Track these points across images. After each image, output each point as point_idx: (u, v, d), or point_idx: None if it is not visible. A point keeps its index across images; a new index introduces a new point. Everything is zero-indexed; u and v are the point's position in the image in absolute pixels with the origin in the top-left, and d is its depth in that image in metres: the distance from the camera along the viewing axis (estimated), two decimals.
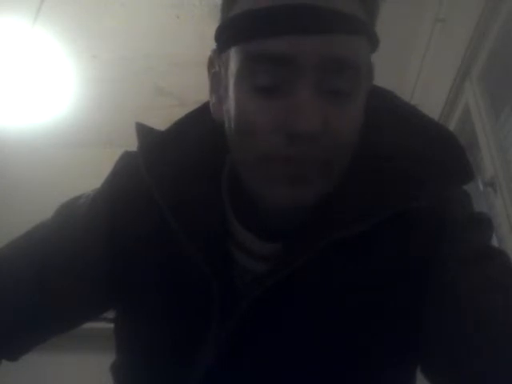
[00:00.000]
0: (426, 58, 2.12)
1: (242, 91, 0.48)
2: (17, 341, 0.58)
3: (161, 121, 0.67)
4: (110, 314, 0.63)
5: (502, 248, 0.54)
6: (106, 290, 0.59)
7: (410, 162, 0.52)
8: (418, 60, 2.16)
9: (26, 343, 0.60)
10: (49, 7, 2.04)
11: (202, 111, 0.60)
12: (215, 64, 0.54)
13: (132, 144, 0.61)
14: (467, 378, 0.43)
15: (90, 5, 2.07)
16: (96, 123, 2.70)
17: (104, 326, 1.08)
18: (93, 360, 1.74)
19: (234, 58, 0.49)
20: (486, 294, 0.46)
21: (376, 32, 0.50)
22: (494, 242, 0.54)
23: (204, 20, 2.11)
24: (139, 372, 0.58)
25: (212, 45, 0.54)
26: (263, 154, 0.48)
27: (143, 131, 0.60)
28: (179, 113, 0.62)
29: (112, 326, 0.62)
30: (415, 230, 0.53)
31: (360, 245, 0.51)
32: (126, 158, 0.63)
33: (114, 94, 2.52)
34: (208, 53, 0.56)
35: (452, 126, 2.02)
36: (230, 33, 0.49)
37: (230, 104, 0.50)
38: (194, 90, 2.38)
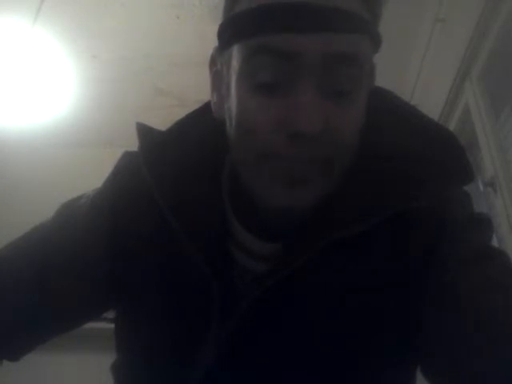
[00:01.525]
0: (426, 58, 2.12)
1: (244, 89, 0.48)
2: (17, 341, 0.58)
3: (161, 121, 0.67)
4: (110, 314, 0.63)
5: (502, 248, 0.53)
6: (106, 290, 0.59)
7: (410, 162, 0.52)
8: (418, 60, 2.16)
9: (26, 343, 0.60)
10: (49, 7, 2.05)
11: (203, 111, 0.60)
12: (217, 62, 0.54)
13: (132, 144, 0.61)
14: (467, 378, 0.43)
15: (90, 5, 2.07)
16: (96, 123, 2.70)
17: (104, 326, 1.08)
18: (93, 360, 1.74)
19: (235, 55, 0.49)
20: (485, 294, 0.46)
21: (379, 32, 0.50)
22: (494, 242, 0.54)
23: (204, 20, 2.11)
24: (139, 372, 0.58)
25: (212, 45, 0.54)
26: (263, 153, 0.48)
27: (144, 131, 0.60)
28: (179, 113, 0.62)
29: (112, 326, 0.62)
30: (415, 230, 0.53)
31: (360, 245, 0.51)
32: (127, 157, 0.63)
33: (114, 94, 2.52)
34: (208, 52, 0.56)
35: (452, 126, 2.02)
36: (232, 30, 0.49)
37: (232, 102, 0.49)
38: (194, 90, 2.38)
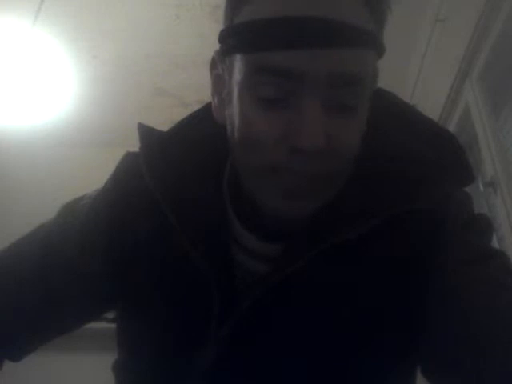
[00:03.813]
0: (426, 57, 2.12)
1: (246, 102, 0.47)
2: (18, 341, 0.58)
3: (161, 121, 0.67)
4: (110, 314, 0.63)
5: (502, 248, 0.54)
6: (106, 291, 0.59)
7: (410, 163, 0.52)
8: (418, 60, 2.16)
9: (27, 344, 0.60)
10: (49, 7, 2.05)
11: (204, 112, 0.60)
12: (218, 66, 0.53)
13: (132, 144, 0.61)
14: (467, 378, 0.43)
15: (90, 5, 2.07)
16: (96, 123, 2.70)
17: (104, 326, 1.08)
18: (93, 360, 1.74)
19: (238, 66, 0.48)
20: (486, 295, 0.46)
21: (383, 42, 0.49)
22: (494, 242, 0.54)
23: (204, 20, 2.12)
24: (140, 371, 0.58)
25: (212, 45, 0.54)
26: (264, 165, 0.47)
27: (145, 132, 0.60)
28: (179, 113, 0.62)
29: (112, 326, 0.62)
30: (415, 230, 0.53)
31: (360, 245, 0.51)
32: (129, 157, 0.63)
33: (113, 94, 2.52)
34: (208, 52, 0.55)
35: (452, 126, 2.02)
36: (235, 40, 0.48)
37: (234, 112, 0.49)
38: (194, 90, 2.39)
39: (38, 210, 1.13)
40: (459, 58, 1.86)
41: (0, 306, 0.57)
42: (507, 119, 1.70)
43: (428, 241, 0.52)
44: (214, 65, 0.54)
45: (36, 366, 1.38)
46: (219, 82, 0.53)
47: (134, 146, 0.59)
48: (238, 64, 0.47)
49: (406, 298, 0.51)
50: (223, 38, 0.50)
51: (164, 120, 0.63)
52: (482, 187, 1.82)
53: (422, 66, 2.17)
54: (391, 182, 0.51)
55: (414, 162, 0.52)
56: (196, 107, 0.62)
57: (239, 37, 0.47)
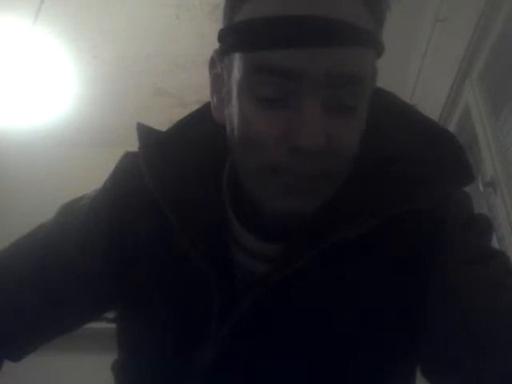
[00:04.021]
0: (426, 57, 2.12)
1: (246, 101, 0.47)
2: (18, 341, 0.59)
3: (161, 121, 0.67)
4: (110, 314, 0.63)
5: (502, 248, 0.54)
6: (106, 291, 0.60)
7: (409, 163, 0.52)
8: (418, 60, 2.16)
9: (27, 344, 0.60)
10: (49, 7, 2.05)
11: (204, 111, 0.60)
12: (217, 65, 0.53)
13: (132, 144, 0.61)
14: (467, 378, 0.43)
15: (90, 5, 2.07)
16: (96, 123, 2.70)
17: (104, 325, 1.08)
18: (93, 360, 1.74)
19: (237, 65, 0.47)
20: (486, 295, 0.46)
21: (382, 41, 0.49)
22: (494, 242, 0.54)
23: (204, 20, 2.12)
24: (140, 371, 0.58)
25: (212, 45, 0.53)
26: (264, 165, 0.47)
27: (144, 131, 0.59)
28: (179, 113, 0.62)
29: (112, 326, 0.62)
30: (415, 230, 0.53)
31: (360, 245, 0.51)
32: (128, 157, 0.63)
33: (113, 93, 2.52)
34: (208, 53, 0.55)
35: (452, 126, 2.02)
36: (235, 39, 0.48)
37: (233, 111, 0.49)
38: (194, 90, 2.39)
39: (38, 209, 1.13)
40: (459, 57, 1.86)
41: (0, 306, 0.57)
42: (507, 119, 1.70)
43: (428, 241, 0.52)
44: (213, 64, 0.54)
45: (36, 366, 1.38)
46: (218, 82, 0.53)
47: (134, 146, 0.59)
48: (237, 63, 0.47)
49: (406, 298, 0.51)
50: (222, 36, 0.50)
51: (164, 120, 0.63)
52: (481, 187, 1.82)
53: (421, 66, 2.17)
54: (391, 181, 0.51)
55: (414, 162, 0.52)
56: (196, 107, 0.63)
57: (238, 35, 0.47)
